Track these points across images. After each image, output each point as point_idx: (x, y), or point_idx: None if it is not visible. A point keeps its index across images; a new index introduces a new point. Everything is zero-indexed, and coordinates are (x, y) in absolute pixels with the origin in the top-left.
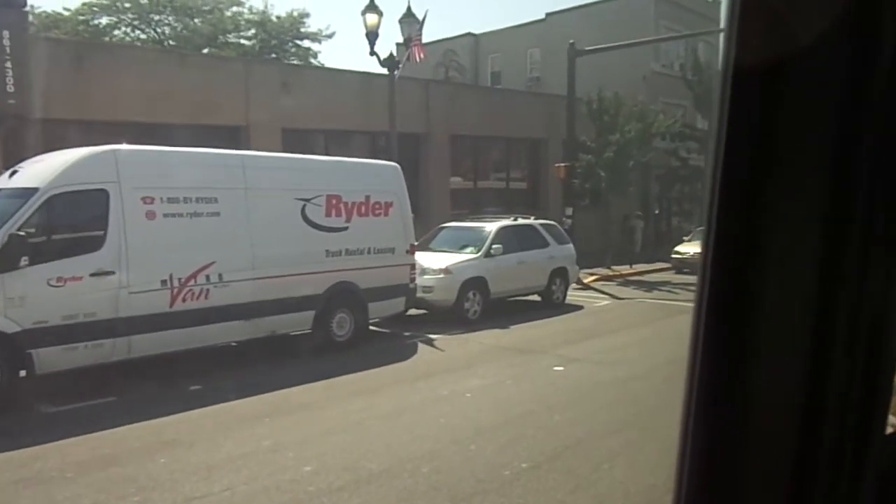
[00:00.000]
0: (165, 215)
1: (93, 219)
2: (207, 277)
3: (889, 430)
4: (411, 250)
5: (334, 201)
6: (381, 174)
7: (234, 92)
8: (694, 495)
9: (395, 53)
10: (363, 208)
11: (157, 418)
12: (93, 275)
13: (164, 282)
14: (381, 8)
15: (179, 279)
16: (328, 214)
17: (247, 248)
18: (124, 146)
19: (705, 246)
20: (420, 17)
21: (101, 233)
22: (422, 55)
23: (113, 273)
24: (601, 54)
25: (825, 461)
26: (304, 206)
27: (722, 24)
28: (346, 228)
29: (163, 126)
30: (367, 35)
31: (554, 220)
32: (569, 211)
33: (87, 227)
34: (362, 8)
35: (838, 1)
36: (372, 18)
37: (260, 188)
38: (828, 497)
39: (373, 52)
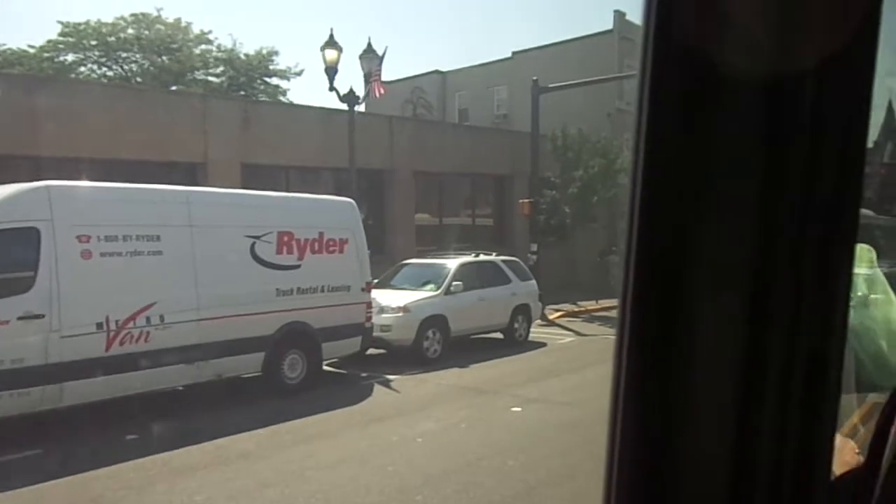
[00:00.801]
0: (103, 254)
1: (22, 258)
2: (148, 319)
3: (835, 474)
4: (367, 288)
5: (286, 238)
6: (335, 210)
7: (192, 128)
8: None
9: (357, 90)
10: (316, 245)
11: (83, 472)
12: (20, 318)
13: (99, 325)
14: (347, 43)
15: (117, 321)
16: (279, 252)
17: (191, 288)
18: (58, 182)
19: (626, 256)
20: (380, 53)
21: (31, 273)
22: (381, 91)
23: (43, 316)
24: (566, 93)
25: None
26: (254, 243)
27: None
28: (298, 266)
29: (117, 162)
30: (326, 70)
31: (520, 257)
32: (533, 247)
33: (15, 268)
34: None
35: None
36: (331, 54)
37: (206, 225)
38: None
39: (332, 88)
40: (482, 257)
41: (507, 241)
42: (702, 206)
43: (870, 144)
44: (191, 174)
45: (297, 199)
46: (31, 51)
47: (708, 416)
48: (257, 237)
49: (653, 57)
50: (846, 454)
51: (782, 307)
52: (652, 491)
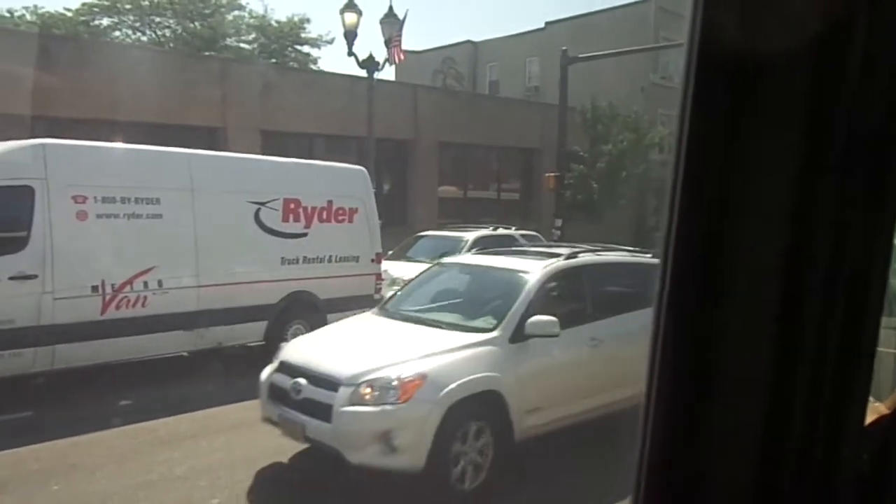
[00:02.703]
0: (99, 216)
1: (15, 218)
2: (145, 284)
3: (871, 418)
4: (377, 259)
5: (292, 206)
6: (346, 178)
7: (212, 93)
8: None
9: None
10: (325, 214)
11: (70, 437)
12: (12, 278)
13: (94, 287)
14: (377, 10)
15: (113, 285)
16: (285, 219)
17: (191, 254)
18: (55, 140)
19: (665, 244)
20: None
21: (24, 233)
22: (401, 57)
23: (35, 277)
24: (600, 66)
25: (793, 456)
26: (259, 209)
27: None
28: (304, 235)
29: (133, 125)
30: (346, 35)
31: (545, 233)
32: (558, 222)
33: (8, 227)
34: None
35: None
36: (350, 18)
37: (208, 189)
38: (795, 498)
39: (351, 53)
40: (500, 231)
41: (533, 217)
42: (743, 190)
43: None
44: (210, 139)
45: (306, 166)
46: (68, 14)
47: (745, 376)
48: (262, 203)
49: (697, 56)
50: (877, 408)
51: (822, 275)
52: (685, 435)
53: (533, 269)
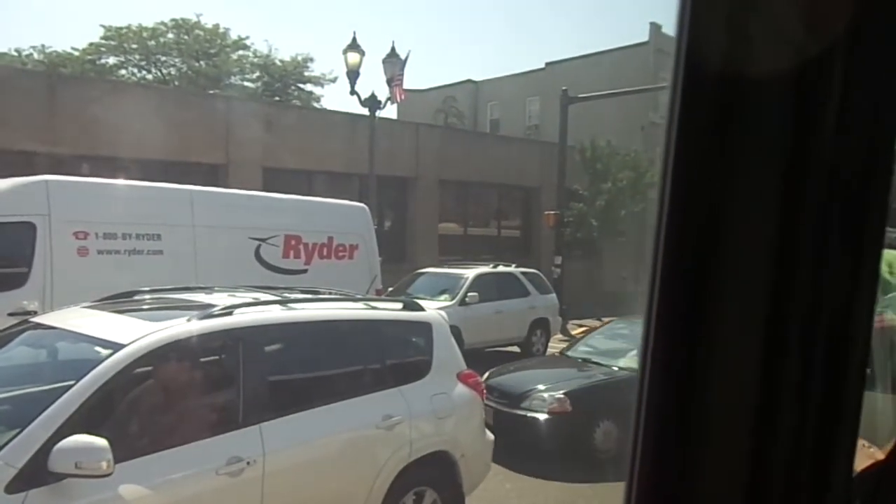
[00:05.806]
0: (100, 252)
1: (16, 254)
2: None
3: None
4: (377, 296)
5: (293, 242)
6: (346, 215)
7: (214, 130)
8: None
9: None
10: (325, 250)
11: None
12: (11, 314)
13: None
14: (383, 53)
15: None
16: (286, 255)
17: None
18: (57, 177)
19: (654, 258)
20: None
21: (25, 269)
22: (402, 96)
23: (35, 313)
24: (600, 105)
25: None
26: (259, 246)
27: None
28: (304, 271)
29: (136, 161)
30: (348, 74)
31: (545, 270)
32: (558, 260)
33: (8, 263)
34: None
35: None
36: (353, 57)
37: (210, 226)
38: None
39: (353, 92)
40: (500, 268)
41: (533, 254)
42: (728, 213)
43: None
44: (212, 176)
45: (307, 202)
46: (75, 53)
47: (729, 417)
48: (262, 240)
49: (684, 70)
50: (872, 454)
51: (805, 311)
52: (671, 486)
53: (126, 340)
